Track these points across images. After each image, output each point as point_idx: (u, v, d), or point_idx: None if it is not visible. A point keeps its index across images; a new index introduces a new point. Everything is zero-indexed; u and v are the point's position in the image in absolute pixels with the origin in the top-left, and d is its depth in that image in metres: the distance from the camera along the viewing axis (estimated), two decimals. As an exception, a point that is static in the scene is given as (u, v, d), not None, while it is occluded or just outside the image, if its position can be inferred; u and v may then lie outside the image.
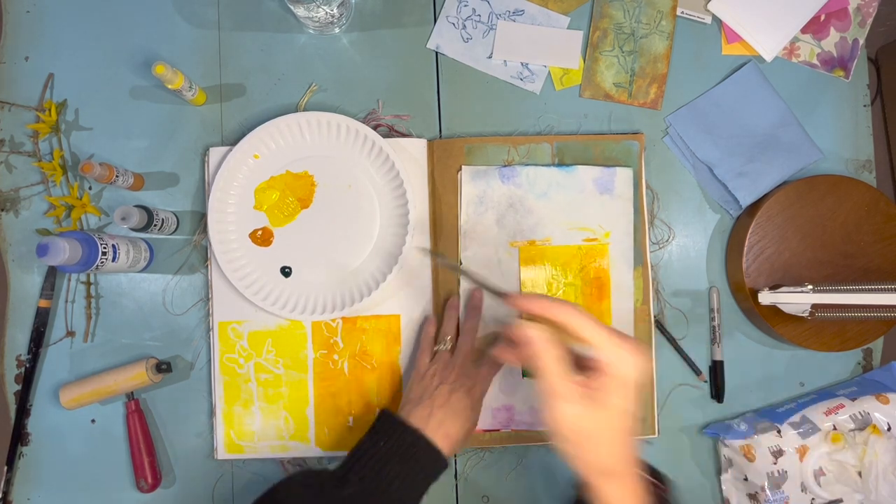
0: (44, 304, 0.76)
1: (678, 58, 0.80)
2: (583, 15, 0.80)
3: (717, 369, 0.78)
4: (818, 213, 0.76)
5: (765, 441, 0.71)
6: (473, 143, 0.77)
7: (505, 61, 0.80)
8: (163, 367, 0.75)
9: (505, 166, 0.76)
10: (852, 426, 0.71)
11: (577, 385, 0.49)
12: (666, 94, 0.80)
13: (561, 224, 0.76)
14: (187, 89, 0.74)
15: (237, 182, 0.76)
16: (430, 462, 0.60)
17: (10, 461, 0.75)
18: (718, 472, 0.77)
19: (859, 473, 0.69)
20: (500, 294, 0.56)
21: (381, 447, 0.59)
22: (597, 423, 0.48)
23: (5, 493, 0.75)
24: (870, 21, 0.81)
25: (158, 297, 0.77)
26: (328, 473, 0.59)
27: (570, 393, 0.49)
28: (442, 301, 0.76)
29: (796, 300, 0.72)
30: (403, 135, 0.79)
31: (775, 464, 0.71)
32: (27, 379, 0.75)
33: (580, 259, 0.76)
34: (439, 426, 0.61)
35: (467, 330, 0.72)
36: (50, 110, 0.77)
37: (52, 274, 0.76)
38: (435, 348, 0.71)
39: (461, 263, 0.75)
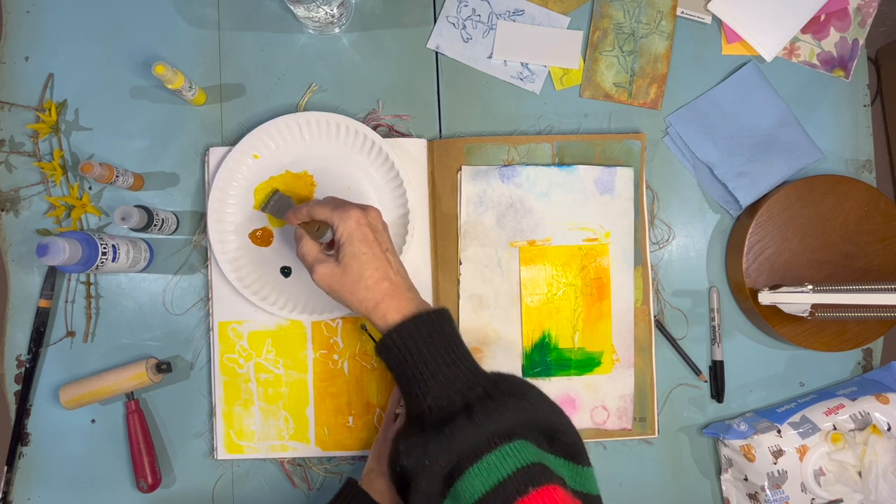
0: (44, 304, 0.76)
1: (678, 58, 0.80)
2: (583, 15, 0.80)
3: (717, 369, 0.78)
4: (818, 213, 0.76)
5: (765, 441, 0.71)
6: (473, 142, 0.77)
7: (505, 61, 0.80)
8: (163, 367, 0.75)
9: (505, 166, 0.76)
10: (852, 426, 0.71)
11: (323, 249, 0.63)
12: (666, 94, 0.80)
13: (561, 224, 0.76)
14: (187, 89, 0.74)
15: (237, 182, 0.76)
16: None
17: (10, 461, 0.75)
18: (718, 472, 0.77)
19: (859, 473, 0.69)
20: (288, 211, 0.68)
21: None
22: (345, 270, 0.59)
23: (5, 493, 0.75)
24: (870, 21, 0.81)
25: (158, 297, 0.77)
26: None
27: (318, 255, 0.62)
28: (441, 301, 0.76)
29: (796, 300, 0.72)
30: (403, 135, 0.79)
31: (775, 464, 0.71)
32: (27, 379, 0.75)
33: (580, 259, 0.76)
34: (399, 499, 0.61)
35: None
36: (50, 110, 0.77)
37: (52, 274, 0.76)
38: (397, 411, 0.71)
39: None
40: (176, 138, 0.79)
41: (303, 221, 0.65)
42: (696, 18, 0.80)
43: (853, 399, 0.73)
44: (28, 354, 0.75)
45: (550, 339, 0.76)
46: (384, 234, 0.62)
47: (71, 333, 0.77)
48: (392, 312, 0.58)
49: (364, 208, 0.62)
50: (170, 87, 0.71)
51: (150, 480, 0.73)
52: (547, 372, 0.75)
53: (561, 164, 0.77)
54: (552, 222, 0.76)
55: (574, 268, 0.76)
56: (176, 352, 0.77)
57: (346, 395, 0.76)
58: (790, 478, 0.71)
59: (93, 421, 0.76)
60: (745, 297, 0.76)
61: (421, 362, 0.54)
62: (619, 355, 0.76)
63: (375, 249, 0.60)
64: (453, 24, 0.80)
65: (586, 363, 0.76)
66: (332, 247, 0.63)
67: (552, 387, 0.75)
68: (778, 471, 0.71)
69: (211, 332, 0.76)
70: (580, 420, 0.75)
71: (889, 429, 0.71)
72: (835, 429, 0.71)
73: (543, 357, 0.75)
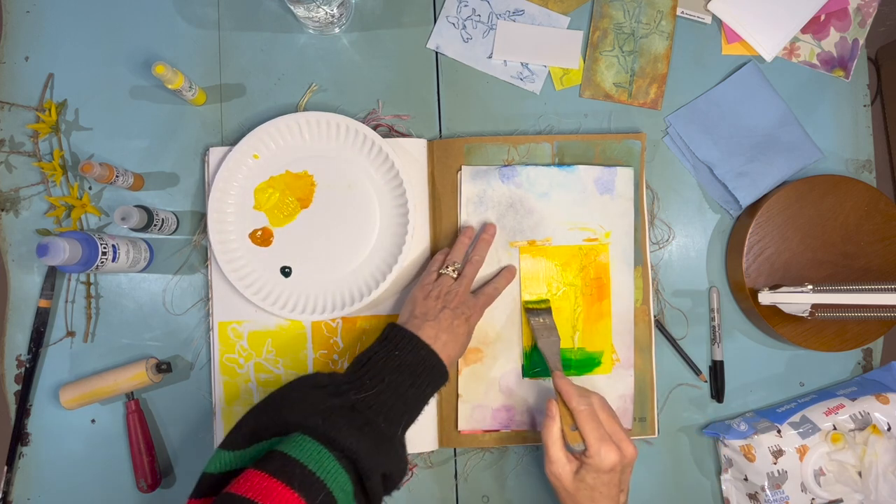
0: (44, 304, 0.76)
1: (678, 58, 0.80)
2: (583, 15, 0.80)
3: (717, 369, 0.78)
4: (818, 213, 0.76)
5: (765, 441, 0.71)
6: (473, 142, 0.77)
7: (505, 61, 0.80)
8: (163, 367, 0.75)
9: (505, 166, 0.76)
10: (852, 426, 0.71)
11: (565, 455, 0.63)
12: (666, 94, 0.80)
13: (561, 224, 0.76)
14: (187, 89, 0.74)
15: (237, 182, 0.76)
16: (437, 375, 0.64)
17: (10, 461, 0.75)
18: (718, 472, 0.77)
19: (859, 473, 0.69)
20: (553, 368, 0.69)
21: (395, 356, 0.62)
22: (577, 488, 0.62)
23: (5, 493, 0.75)
24: (870, 21, 0.81)
25: (158, 297, 0.77)
26: (340, 377, 0.61)
27: (561, 448, 0.63)
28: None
29: (796, 300, 0.72)
30: (403, 135, 0.79)
31: (775, 464, 0.71)
32: (27, 379, 0.75)
33: (580, 259, 0.76)
34: (444, 347, 0.65)
35: (475, 261, 0.72)
36: (50, 110, 0.77)
37: (52, 274, 0.76)
38: (441, 270, 0.71)
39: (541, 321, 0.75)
40: (176, 138, 0.79)
41: (565, 404, 0.65)
42: (696, 18, 0.80)
43: (853, 399, 0.73)
44: (28, 354, 0.75)
45: None
46: (627, 476, 0.64)
47: (71, 333, 0.77)
48: None
49: (626, 451, 0.62)
50: (170, 87, 0.71)
51: (150, 480, 0.73)
52: (546, 372, 0.75)
53: (561, 164, 0.77)
54: (552, 222, 0.76)
55: (574, 268, 0.76)
56: (176, 352, 0.77)
57: (346, 395, 0.76)
58: (790, 478, 0.71)
59: (93, 421, 0.76)
60: (745, 297, 0.76)
61: None
62: (619, 355, 0.76)
63: (613, 491, 0.61)
64: (453, 24, 0.80)
65: (586, 363, 0.76)
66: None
67: (552, 387, 0.75)
68: (778, 471, 0.71)
69: (211, 332, 0.76)
70: (580, 420, 0.75)
71: (889, 429, 0.71)
72: (835, 429, 0.71)
73: (543, 357, 0.75)
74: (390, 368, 0.61)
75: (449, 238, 0.76)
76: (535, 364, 0.75)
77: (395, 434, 0.59)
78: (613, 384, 0.76)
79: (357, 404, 0.58)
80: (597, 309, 0.76)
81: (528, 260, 0.76)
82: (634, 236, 0.77)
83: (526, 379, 0.75)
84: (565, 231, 0.76)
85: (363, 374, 0.60)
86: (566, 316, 0.76)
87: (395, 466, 0.58)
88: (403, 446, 0.60)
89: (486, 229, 0.74)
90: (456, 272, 0.71)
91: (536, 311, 0.75)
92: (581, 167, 0.76)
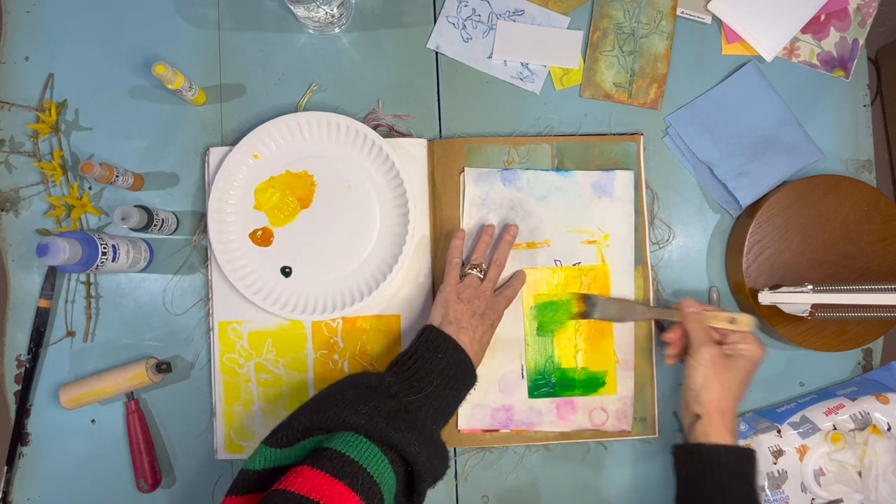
0: (44, 304, 0.76)
1: (678, 58, 0.80)
2: (583, 15, 0.80)
3: (717, 369, 0.78)
4: (818, 213, 0.76)
5: (765, 441, 0.71)
6: (473, 143, 0.77)
7: (505, 61, 0.80)
8: (163, 367, 0.75)
9: (506, 169, 0.76)
10: (852, 426, 0.71)
11: (716, 334, 0.69)
12: (666, 94, 0.80)
13: (560, 227, 0.76)
14: (187, 89, 0.74)
15: (237, 182, 0.76)
16: (471, 380, 0.66)
17: (10, 461, 0.75)
18: (718, 472, 0.77)
19: (859, 473, 0.69)
20: (670, 311, 0.74)
21: (439, 359, 0.63)
22: (725, 367, 0.66)
23: (5, 493, 0.75)
24: (870, 21, 0.81)
25: (158, 297, 0.77)
26: (388, 377, 0.61)
27: (709, 339, 0.68)
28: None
29: (796, 300, 0.72)
30: (403, 135, 0.79)
31: (775, 464, 0.71)
32: (27, 379, 0.75)
33: (580, 279, 0.76)
34: (475, 355, 0.67)
35: (499, 263, 0.73)
36: (50, 110, 0.77)
37: (52, 274, 0.76)
38: (467, 270, 0.71)
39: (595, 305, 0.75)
40: (176, 138, 0.79)
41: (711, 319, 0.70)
42: (696, 18, 0.80)
43: (853, 399, 0.73)
44: (28, 354, 0.75)
45: (553, 359, 0.75)
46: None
47: (71, 333, 0.77)
48: (721, 431, 0.65)
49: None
50: (170, 87, 0.71)
51: (150, 480, 0.74)
52: (550, 392, 0.75)
53: (559, 168, 0.77)
54: (550, 225, 0.76)
55: (575, 288, 0.76)
56: (176, 352, 0.77)
57: (346, 395, 0.76)
58: (790, 478, 0.71)
59: (93, 421, 0.76)
60: (745, 297, 0.76)
61: None
62: (620, 357, 0.76)
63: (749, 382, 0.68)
64: (453, 24, 0.80)
65: (591, 383, 0.75)
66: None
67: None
68: (778, 471, 0.71)
69: (211, 332, 0.76)
70: (578, 421, 0.75)
71: (889, 429, 0.71)
72: (835, 429, 0.71)
73: (548, 378, 0.75)
74: (436, 372, 0.62)
75: (449, 238, 0.76)
76: (539, 385, 0.75)
77: (440, 436, 0.60)
78: (614, 385, 0.76)
79: (409, 406, 0.58)
80: (598, 328, 0.76)
81: (529, 278, 0.76)
82: (634, 237, 0.77)
83: (525, 379, 0.75)
84: (563, 234, 0.76)
85: (411, 376, 0.61)
86: (569, 335, 0.76)
87: (445, 469, 0.60)
88: (445, 448, 0.61)
89: (509, 230, 0.74)
90: (482, 273, 0.71)
91: (587, 310, 0.75)
92: (578, 172, 0.76)
